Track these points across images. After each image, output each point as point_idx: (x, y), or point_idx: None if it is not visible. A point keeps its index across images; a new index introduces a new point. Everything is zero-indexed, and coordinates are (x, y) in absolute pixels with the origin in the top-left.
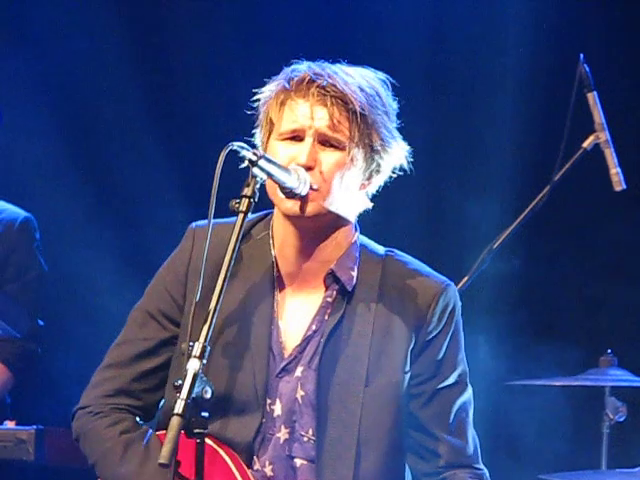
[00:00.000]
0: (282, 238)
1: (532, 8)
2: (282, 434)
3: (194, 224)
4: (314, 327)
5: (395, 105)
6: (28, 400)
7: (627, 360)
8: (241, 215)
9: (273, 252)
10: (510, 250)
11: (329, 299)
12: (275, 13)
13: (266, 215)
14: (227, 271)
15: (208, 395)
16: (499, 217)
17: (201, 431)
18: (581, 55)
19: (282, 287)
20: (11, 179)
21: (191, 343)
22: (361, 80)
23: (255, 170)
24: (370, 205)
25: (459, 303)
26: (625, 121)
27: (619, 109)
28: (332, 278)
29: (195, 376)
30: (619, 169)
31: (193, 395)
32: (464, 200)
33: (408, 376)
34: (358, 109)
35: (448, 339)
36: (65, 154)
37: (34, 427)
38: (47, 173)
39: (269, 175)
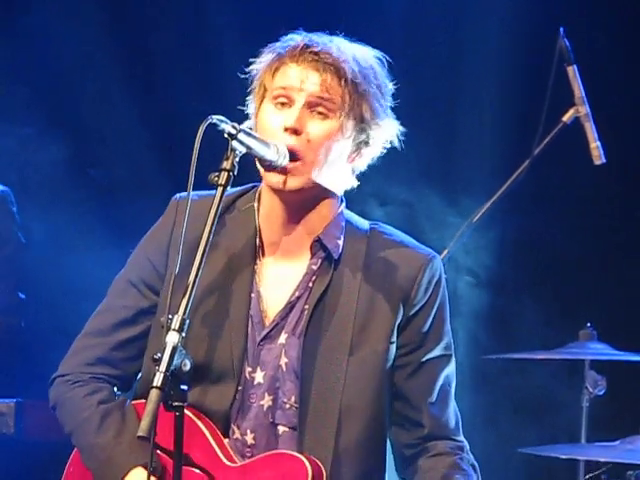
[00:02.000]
0: (268, 209)
1: None
2: (265, 401)
3: (177, 196)
4: (297, 294)
5: (390, 84)
6: (9, 373)
7: (607, 334)
8: (220, 188)
9: (257, 222)
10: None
11: (314, 266)
12: None
13: (252, 187)
14: (206, 244)
15: (187, 368)
16: (480, 190)
17: (180, 404)
18: (561, 29)
19: (264, 255)
20: None
21: (170, 316)
22: (356, 52)
23: (234, 143)
24: (356, 183)
25: (444, 275)
26: (606, 95)
27: (599, 82)
28: (319, 246)
29: (174, 349)
30: (599, 143)
31: (172, 368)
32: (445, 173)
33: (394, 346)
34: (350, 77)
35: (434, 311)
36: (48, 129)
37: (14, 400)
38: (32, 149)
39: (248, 148)
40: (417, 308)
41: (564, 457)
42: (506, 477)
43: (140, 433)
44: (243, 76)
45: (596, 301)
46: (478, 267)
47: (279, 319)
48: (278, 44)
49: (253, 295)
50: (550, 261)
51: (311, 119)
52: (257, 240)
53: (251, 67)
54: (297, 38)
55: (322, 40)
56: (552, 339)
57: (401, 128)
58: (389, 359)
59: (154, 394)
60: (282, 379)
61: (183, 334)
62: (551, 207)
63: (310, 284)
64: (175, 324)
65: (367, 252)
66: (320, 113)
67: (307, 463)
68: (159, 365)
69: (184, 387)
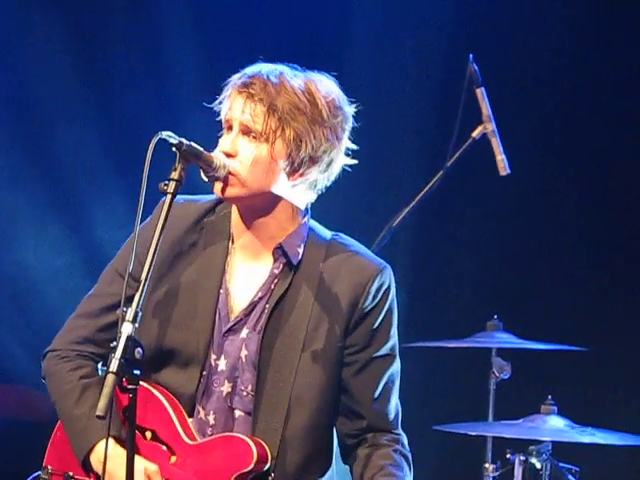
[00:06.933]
0: (235, 216)
1: (432, 15)
2: (225, 388)
3: (164, 198)
4: (260, 294)
5: (348, 109)
6: None
7: (511, 324)
8: (169, 196)
9: (230, 227)
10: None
11: (276, 270)
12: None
13: None
14: (157, 244)
15: (139, 355)
16: (400, 197)
17: (133, 387)
18: (470, 55)
19: (235, 257)
20: None
21: (124, 309)
22: (295, 82)
23: (181, 156)
24: (312, 197)
25: (394, 285)
26: (510, 112)
27: (505, 102)
28: (280, 252)
29: (128, 338)
30: (504, 156)
31: (126, 355)
32: (372, 183)
33: (342, 345)
34: (267, 103)
35: (382, 315)
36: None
37: None
38: None
39: (193, 160)
40: (365, 312)
41: (473, 434)
42: (422, 451)
43: (98, 413)
44: (208, 106)
45: (502, 295)
46: (395, 263)
47: (243, 315)
48: (236, 75)
49: (222, 291)
50: (461, 260)
51: (244, 143)
52: (229, 243)
53: (220, 97)
54: (246, 70)
55: (257, 71)
56: (462, 329)
57: (353, 146)
58: (337, 356)
59: (110, 378)
60: (241, 369)
61: (136, 325)
62: (461, 210)
63: (272, 286)
64: (129, 316)
65: (325, 260)
66: (254, 137)
67: (253, 446)
68: (114, 352)
69: (137, 372)
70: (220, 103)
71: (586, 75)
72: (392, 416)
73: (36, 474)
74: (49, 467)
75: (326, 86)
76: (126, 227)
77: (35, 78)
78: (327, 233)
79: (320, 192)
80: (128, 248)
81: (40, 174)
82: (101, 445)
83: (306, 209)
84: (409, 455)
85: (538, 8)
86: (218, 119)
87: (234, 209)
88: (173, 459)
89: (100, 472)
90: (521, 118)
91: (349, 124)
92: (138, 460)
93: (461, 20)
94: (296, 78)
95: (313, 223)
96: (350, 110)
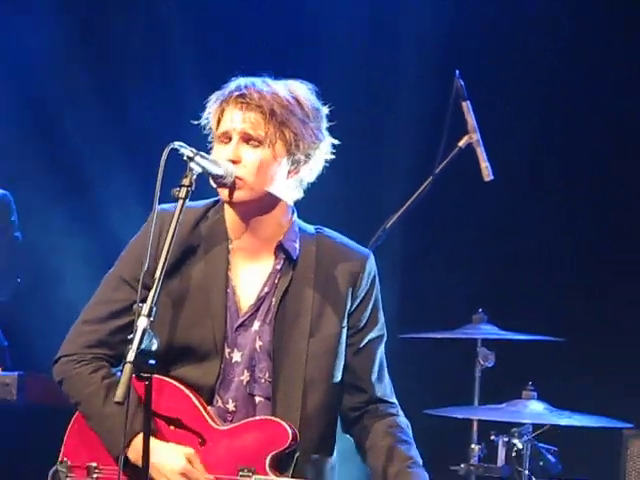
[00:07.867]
0: (231, 219)
1: (422, 28)
2: (245, 377)
3: (159, 207)
4: (266, 289)
5: (324, 109)
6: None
7: (495, 317)
8: (181, 201)
9: (227, 230)
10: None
11: (278, 266)
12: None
13: (218, 200)
14: (170, 245)
15: (154, 347)
16: (394, 200)
17: (149, 375)
18: (457, 71)
19: (235, 258)
20: None
21: (140, 304)
22: (280, 88)
23: (192, 164)
24: (300, 194)
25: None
26: (493, 123)
27: (488, 114)
28: (280, 249)
29: (144, 331)
30: (488, 163)
31: (142, 347)
32: (368, 188)
33: (344, 328)
34: (268, 110)
35: (373, 298)
36: (34, 148)
37: (16, 373)
38: (20, 162)
39: (203, 168)
40: (361, 297)
41: (460, 417)
42: (414, 433)
43: (116, 399)
44: (198, 122)
45: (487, 291)
46: (387, 261)
47: (252, 310)
48: (219, 92)
49: (229, 290)
50: (449, 260)
51: (246, 150)
52: (228, 245)
53: (205, 114)
54: (232, 84)
55: (247, 83)
56: (451, 322)
57: (335, 141)
58: (342, 339)
59: (127, 368)
60: (257, 359)
61: (151, 318)
62: (449, 211)
63: (276, 281)
64: (145, 310)
65: (317, 253)
66: (255, 143)
67: (287, 427)
68: (131, 344)
69: (152, 362)
70: (206, 119)
71: (567, 85)
72: (389, 387)
73: (54, 469)
74: (67, 460)
75: (303, 90)
76: (138, 227)
77: (51, 80)
78: (310, 227)
79: (304, 189)
80: (130, 255)
81: (58, 174)
82: (138, 440)
83: (292, 206)
84: (408, 422)
85: (522, 23)
86: (206, 132)
87: (228, 213)
88: (203, 444)
89: (140, 465)
90: (505, 127)
91: (326, 122)
92: (173, 447)
93: (451, 33)
94: (278, 85)
95: (298, 219)
96: (325, 110)
